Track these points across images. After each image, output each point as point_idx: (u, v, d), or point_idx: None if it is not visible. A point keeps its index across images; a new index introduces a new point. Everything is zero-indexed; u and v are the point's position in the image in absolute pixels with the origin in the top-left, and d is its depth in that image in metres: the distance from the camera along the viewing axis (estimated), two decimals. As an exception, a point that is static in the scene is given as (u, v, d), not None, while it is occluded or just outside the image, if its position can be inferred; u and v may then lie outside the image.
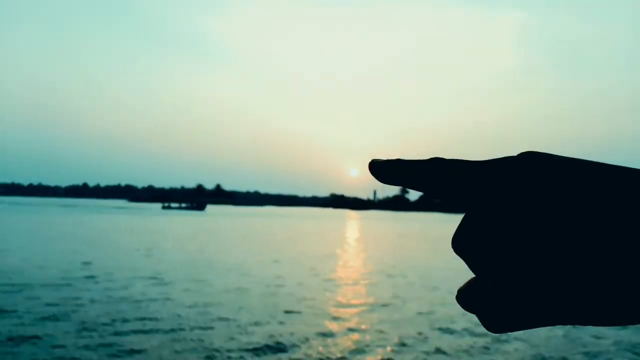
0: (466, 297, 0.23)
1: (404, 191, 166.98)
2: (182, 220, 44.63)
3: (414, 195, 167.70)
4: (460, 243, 0.24)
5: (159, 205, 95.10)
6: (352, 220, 63.81)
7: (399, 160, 0.26)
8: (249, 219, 53.30)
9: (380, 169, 0.26)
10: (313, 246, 21.43)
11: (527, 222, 0.21)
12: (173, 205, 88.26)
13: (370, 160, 0.27)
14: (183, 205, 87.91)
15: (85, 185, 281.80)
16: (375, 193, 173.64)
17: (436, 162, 0.24)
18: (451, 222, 70.90)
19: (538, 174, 0.21)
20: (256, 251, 18.01)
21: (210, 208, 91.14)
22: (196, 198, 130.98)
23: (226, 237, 24.75)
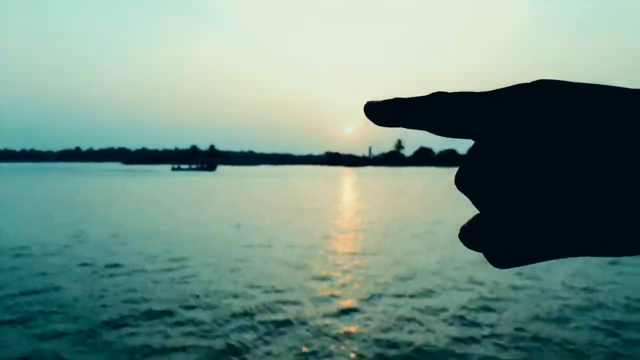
0: (470, 234, 0.23)
1: (399, 146, 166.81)
2: (200, 180, 44.81)
3: (409, 150, 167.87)
4: (465, 178, 0.23)
5: (164, 167, 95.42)
6: (348, 177, 63.99)
7: (397, 99, 0.24)
8: (259, 178, 53.80)
9: (377, 110, 0.25)
10: (318, 203, 21.38)
11: (537, 153, 0.20)
12: (183, 166, 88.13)
13: (365, 103, 0.25)
14: (193, 166, 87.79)
15: (78, 149, 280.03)
16: (370, 149, 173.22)
17: (439, 95, 0.23)
18: (447, 175, 71.35)
19: (551, 103, 0.20)
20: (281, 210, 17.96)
21: (220, 168, 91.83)
22: (207, 159, 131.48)
23: (241, 196, 24.74)
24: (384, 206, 21.13)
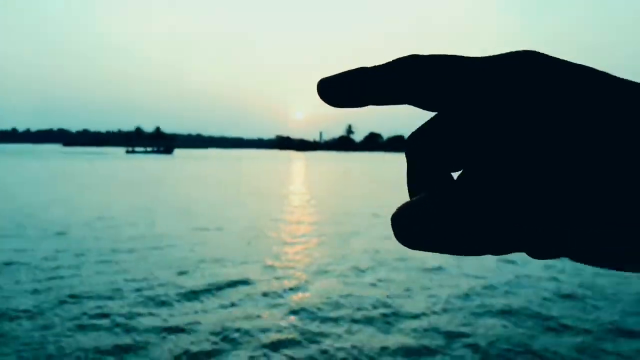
0: (407, 216, 0.19)
1: (349, 132, 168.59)
2: (159, 164, 43.61)
3: (359, 135, 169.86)
4: (418, 142, 0.20)
5: (116, 149, 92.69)
6: (299, 161, 64.29)
7: (360, 69, 0.20)
8: (216, 162, 53.36)
9: (336, 85, 0.20)
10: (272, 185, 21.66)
11: (510, 134, 0.18)
12: (138, 149, 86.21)
13: (319, 80, 0.21)
14: (149, 149, 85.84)
15: (14, 130, 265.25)
16: (321, 134, 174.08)
17: (413, 60, 0.19)
18: (394, 160, 73.13)
19: (535, 80, 0.18)
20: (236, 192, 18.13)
21: (178, 152, 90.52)
22: (164, 141, 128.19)
23: (203, 180, 24.60)
24: (332, 189, 21.73)
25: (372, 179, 28.26)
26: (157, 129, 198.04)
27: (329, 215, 12.38)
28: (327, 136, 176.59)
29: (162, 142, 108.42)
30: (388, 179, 28.81)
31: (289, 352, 4.00)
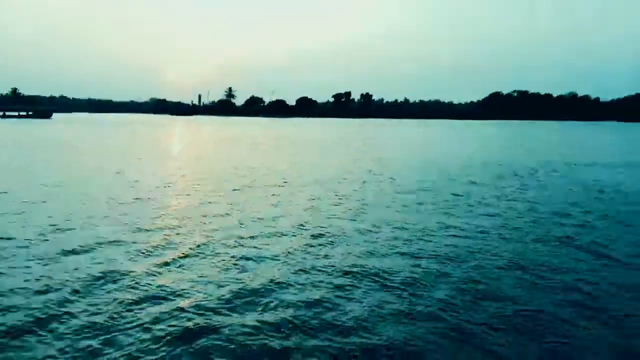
0: None
1: (230, 95, 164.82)
2: (38, 129, 41.21)
3: (240, 99, 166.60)
4: None
5: None
6: (177, 126, 62.25)
7: None
8: (94, 127, 50.84)
9: None
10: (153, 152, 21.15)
11: None
12: (9, 113, 75.99)
13: None
14: (22, 113, 76.99)
15: None
16: (200, 97, 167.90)
17: None
18: (275, 123, 73.39)
19: None
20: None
21: (56, 116, 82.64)
22: (41, 105, 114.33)
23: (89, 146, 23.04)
24: (213, 153, 21.70)
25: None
26: (14, 90, 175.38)
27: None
28: (207, 99, 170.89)
29: (39, 107, 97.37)
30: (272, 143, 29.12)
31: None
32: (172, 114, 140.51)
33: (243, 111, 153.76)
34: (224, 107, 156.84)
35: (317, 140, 34.57)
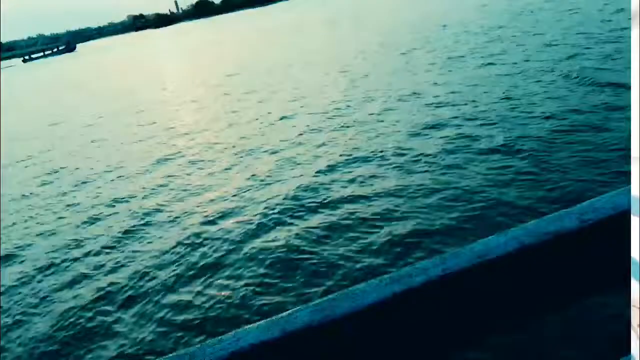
0: None
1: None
2: (64, 65, 41.17)
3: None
4: None
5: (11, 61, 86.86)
6: (161, 40, 60.79)
7: None
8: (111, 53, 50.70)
9: None
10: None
11: None
12: (35, 55, 79.91)
13: None
14: (47, 52, 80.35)
15: None
16: (176, 3, 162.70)
17: None
18: (257, 15, 65.96)
19: None
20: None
21: (80, 47, 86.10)
22: (63, 39, 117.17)
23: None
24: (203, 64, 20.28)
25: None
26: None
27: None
28: (184, 4, 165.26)
29: (61, 40, 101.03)
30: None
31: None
32: (153, 27, 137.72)
33: (223, 9, 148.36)
34: (203, 9, 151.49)
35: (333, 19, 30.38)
